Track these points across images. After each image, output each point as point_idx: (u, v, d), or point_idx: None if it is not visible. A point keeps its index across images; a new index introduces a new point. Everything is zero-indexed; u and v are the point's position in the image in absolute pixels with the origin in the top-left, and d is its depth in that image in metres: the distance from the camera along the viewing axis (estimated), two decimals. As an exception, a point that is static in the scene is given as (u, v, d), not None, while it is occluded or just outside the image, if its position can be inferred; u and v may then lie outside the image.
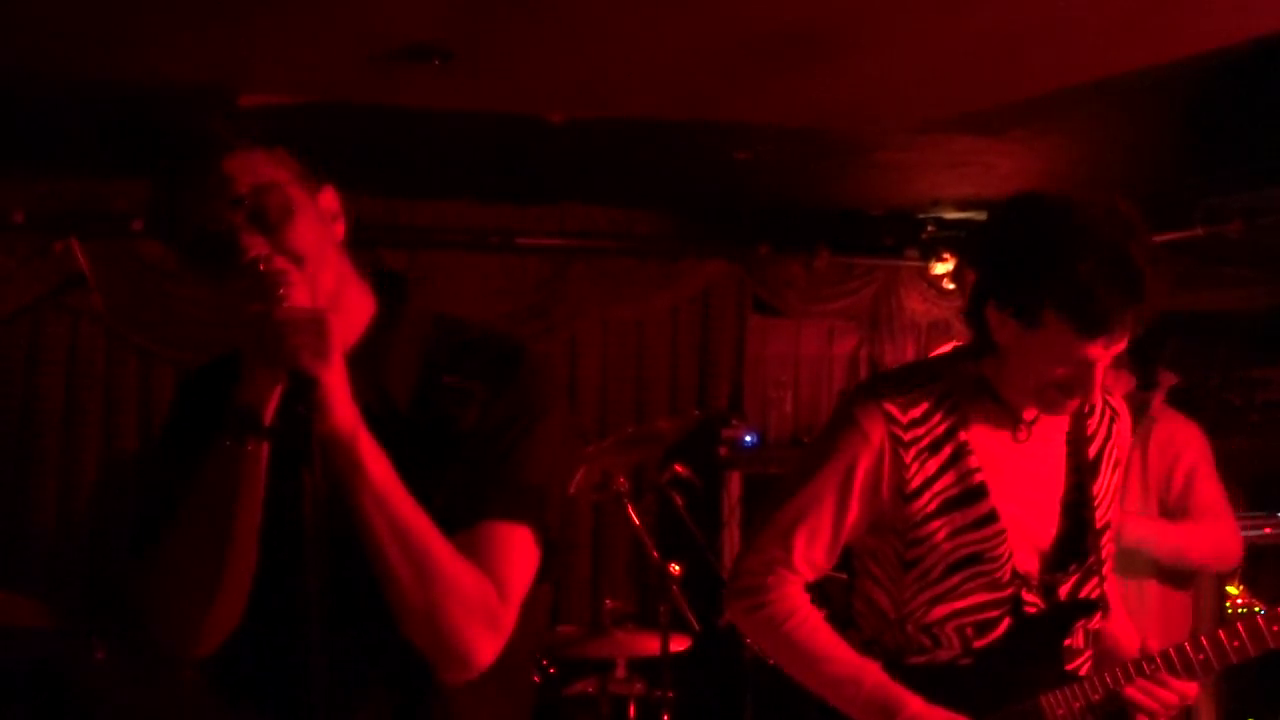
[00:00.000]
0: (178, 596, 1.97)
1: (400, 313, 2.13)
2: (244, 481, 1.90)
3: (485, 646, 1.98)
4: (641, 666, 4.98)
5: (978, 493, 2.51)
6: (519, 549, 2.03)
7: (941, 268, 6.78)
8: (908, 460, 2.50)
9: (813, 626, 2.55)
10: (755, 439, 6.46)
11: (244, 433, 1.87)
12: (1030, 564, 2.56)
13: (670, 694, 4.78)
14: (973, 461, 2.52)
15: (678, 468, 5.10)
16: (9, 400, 5.48)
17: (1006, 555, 2.52)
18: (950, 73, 3.87)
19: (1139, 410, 4.02)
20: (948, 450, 2.52)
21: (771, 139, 4.81)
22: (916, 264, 6.89)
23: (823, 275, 6.72)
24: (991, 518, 2.51)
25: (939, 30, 3.43)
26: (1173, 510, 4.13)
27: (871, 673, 2.48)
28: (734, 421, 6.45)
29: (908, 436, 2.51)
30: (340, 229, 2.06)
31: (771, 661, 2.66)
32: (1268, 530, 5.31)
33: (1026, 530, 2.56)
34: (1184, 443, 4.19)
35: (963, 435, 2.53)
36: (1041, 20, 3.33)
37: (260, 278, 1.86)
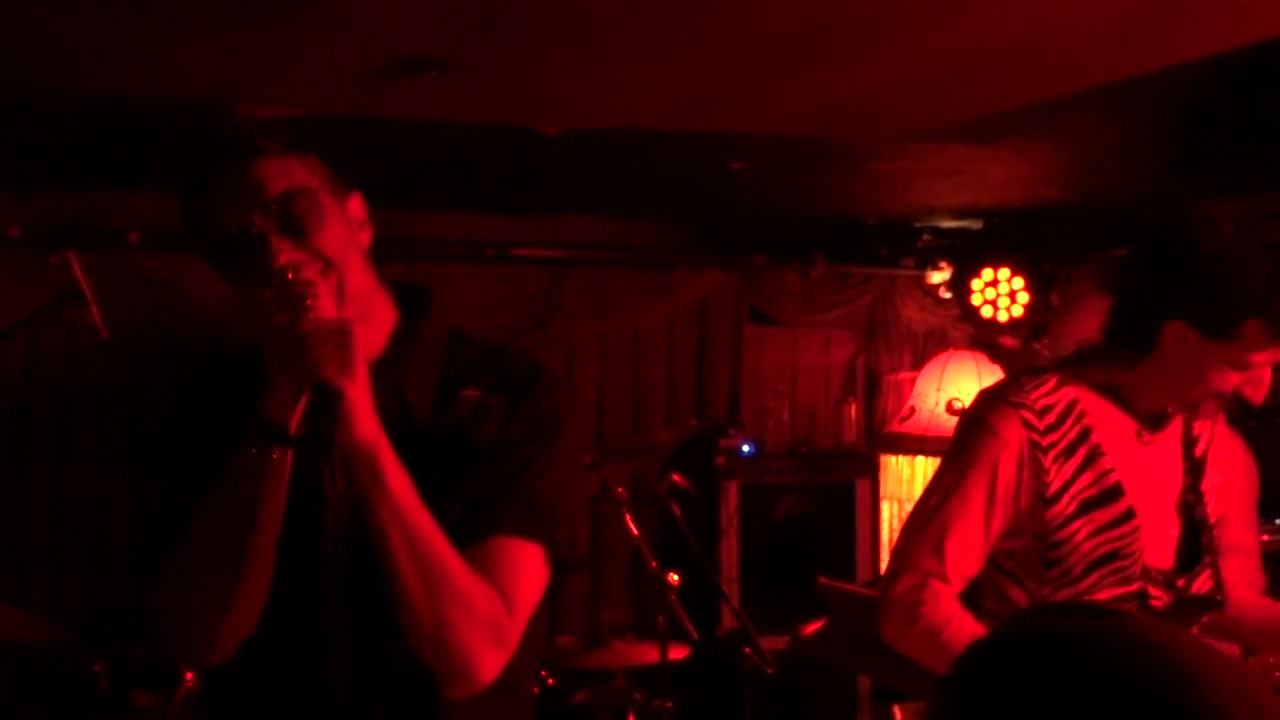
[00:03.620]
0: (195, 603, 1.98)
1: (421, 325, 2.14)
2: (267, 490, 1.91)
3: (490, 662, 1.99)
4: (640, 676, 4.98)
5: (1115, 492, 2.67)
6: (529, 566, 2.04)
7: (937, 276, 6.79)
8: (1047, 464, 2.65)
9: (970, 630, 2.62)
10: (753, 449, 6.47)
11: (269, 441, 1.88)
12: (1158, 560, 2.71)
13: (669, 704, 4.79)
14: (1107, 462, 2.68)
15: (675, 478, 5.11)
16: (4, 415, 5.47)
17: (1140, 552, 2.67)
18: (944, 82, 3.88)
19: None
20: (1082, 453, 2.68)
21: (766, 149, 4.82)
22: (912, 273, 6.91)
23: (819, 285, 6.74)
24: (1129, 515, 2.67)
25: (933, 39, 3.44)
26: None
27: None
28: (731, 431, 6.46)
29: (1045, 441, 2.66)
30: (367, 237, 2.08)
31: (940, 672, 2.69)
32: (1265, 537, 5.29)
33: (1154, 528, 2.71)
34: (1233, 472, 3.83)
35: (1095, 438, 2.68)
36: (1034, 29, 3.34)
37: (287, 287, 1.87)
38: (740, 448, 6.42)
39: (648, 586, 5.03)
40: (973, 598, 2.74)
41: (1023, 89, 3.94)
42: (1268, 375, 2.58)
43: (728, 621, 5.70)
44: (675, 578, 4.70)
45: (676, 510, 5.00)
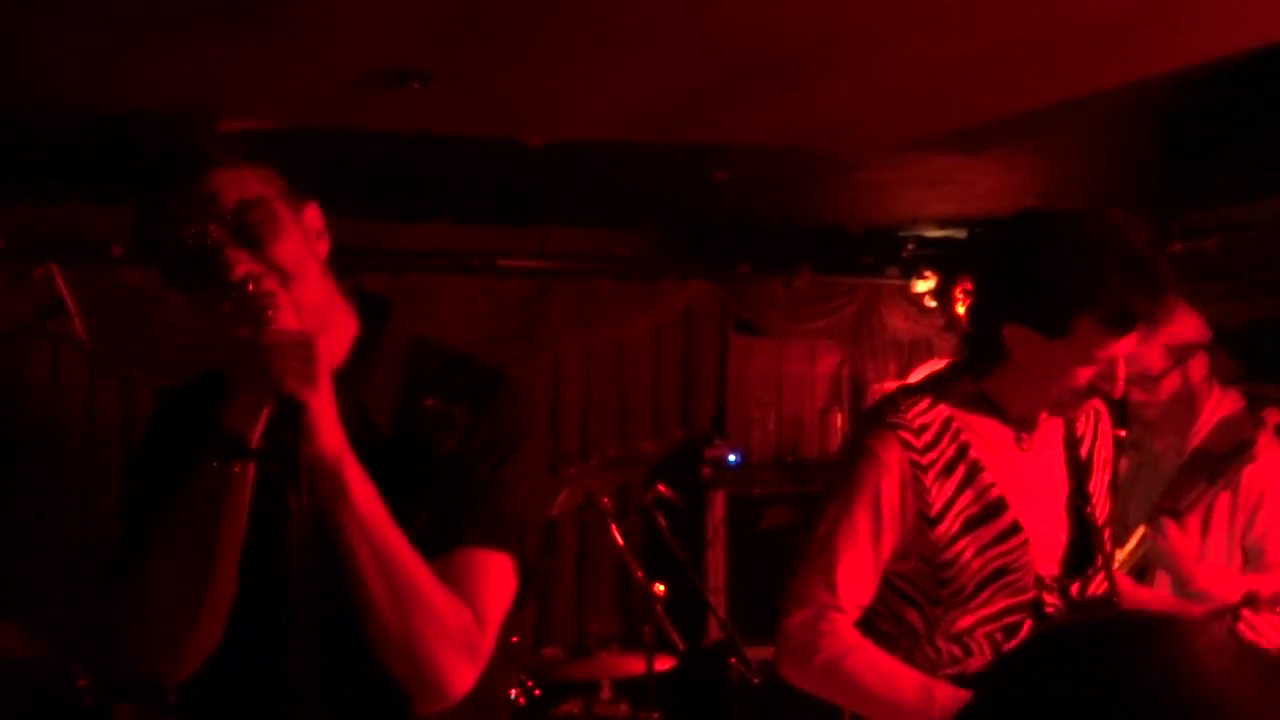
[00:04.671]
0: (158, 618, 1.95)
1: (381, 335, 2.13)
2: (229, 503, 1.89)
3: (462, 675, 1.97)
4: (627, 687, 4.98)
5: (998, 507, 2.58)
6: (497, 576, 2.02)
7: (922, 285, 6.80)
8: (928, 484, 2.56)
9: (871, 657, 2.56)
10: (738, 459, 6.47)
11: (230, 455, 1.86)
12: (1048, 567, 2.63)
13: (655, 714, 4.78)
14: (987, 477, 2.59)
15: (661, 488, 5.10)
16: (-10, 427, 5.46)
17: (1031, 563, 2.59)
18: (928, 92, 3.89)
19: (1243, 443, 3.59)
20: (962, 470, 2.59)
21: (751, 159, 4.82)
22: (897, 282, 6.91)
23: (804, 294, 6.74)
24: (1014, 529, 2.58)
25: (917, 50, 3.45)
26: (1247, 553, 3.59)
27: (941, 686, 2.49)
28: (717, 441, 6.46)
29: (925, 460, 2.57)
30: (324, 247, 2.06)
31: (845, 708, 2.68)
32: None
33: (1042, 535, 2.63)
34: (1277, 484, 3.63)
35: (973, 453, 2.60)
36: (1018, 39, 3.35)
37: (247, 299, 1.85)
38: (726, 458, 6.42)
39: (634, 597, 5.03)
40: (868, 620, 2.67)
41: (1006, 99, 3.95)
42: (1120, 367, 2.54)
43: (714, 632, 5.70)
44: (661, 588, 4.69)
45: (662, 520, 4.99)
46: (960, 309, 6.42)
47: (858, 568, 2.58)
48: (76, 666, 4.36)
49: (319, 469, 1.85)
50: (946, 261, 6.65)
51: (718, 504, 6.34)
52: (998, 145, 4.57)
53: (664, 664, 4.76)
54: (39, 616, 5.19)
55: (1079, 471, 2.72)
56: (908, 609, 2.65)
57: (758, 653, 4.91)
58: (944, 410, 2.62)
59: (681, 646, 4.77)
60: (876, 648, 2.57)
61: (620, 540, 4.77)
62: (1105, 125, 4.31)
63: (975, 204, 5.75)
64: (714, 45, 3.41)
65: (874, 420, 2.66)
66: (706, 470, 6.32)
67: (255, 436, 1.86)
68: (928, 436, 2.59)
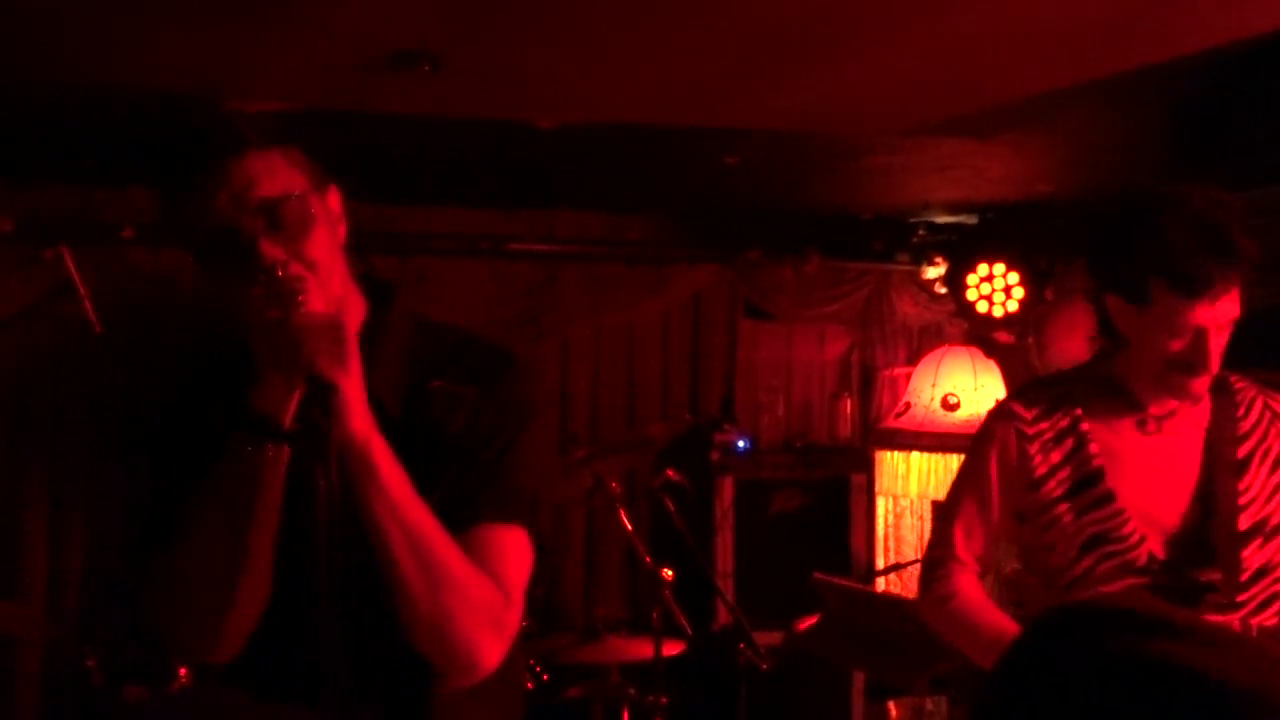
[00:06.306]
0: (198, 602, 1.97)
1: (386, 317, 2.14)
2: (263, 485, 1.91)
3: (492, 650, 1.99)
4: (634, 672, 4.98)
5: (1095, 476, 2.80)
6: (517, 551, 2.05)
7: (933, 272, 6.77)
8: (1032, 452, 2.85)
9: (969, 600, 2.92)
10: (747, 444, 6.46)
11: (264, 437, 1.88)
12: (1168, 549, 2.77)
13: (663, 699, 4.79)
14: (1092, 449, 2.82)
15: (670, 473, 5.10)
16: (-1, 409, 5.46)
17: (1137, 538, 2.76)
18: (938, 76, 3.88)
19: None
20: (1070, 442, 2.84)
21: (760, 144, 4.81)
22: (907, 268, 6.89)
23: (813, 280, 6.72)
24: (1108, 498, 2.78)
25: (926, 34, 3.43)
26: None
27: (1013, 633, 2.67)
28: (726, 426, 6.44)
29: (1031, 431, 2.87)
30: (343, 231, 2.08)
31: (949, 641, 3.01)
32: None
33: (1155, 518, 2.78)
34: None
35: (1084, 426, 2.84)
36: (1029, 23, 3.33)
37: (277, 283, 1.86)
38: (735, 443, 6.41)
39: (642, 582, 5.03)
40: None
41: (1017, 83, 3.94)
42: (1210, 340, 2.61)
43: (722, 617, 5.70)
44: (669, 573, 4.70)
45: (671, 505, 4.99)
46: (970, 295, 6.41)
47: (969, 525, 2.96)
48: (85, 647, 4.37)
49: (348, 449, 1.86)
50: (957, 248, 6.63)
51: (726, 489, 6.32)
52: (1008, 130, 4.56)
53: (672, 649, 4.77)
54: (49, 598, 5.21)
55: (1214, 464, 2.80)
56: (1035, 574, 2.95)
57: (766, 637, 4.92)
58: (1065, 390, 2.90)
59: (689, 631, 4.77)
60: (980, 596, 2.94)
61: (628, 525, 4.78)
62: (1116, 110, 4.29)
63: (985, 190, 5.74)
64: (725, 28, 3.40)
65: (1000, 403, 3.05)
66: (715, 455, 6.31)
67: (287, 418, 1.87)
68: (1039, 410, 2.88)
